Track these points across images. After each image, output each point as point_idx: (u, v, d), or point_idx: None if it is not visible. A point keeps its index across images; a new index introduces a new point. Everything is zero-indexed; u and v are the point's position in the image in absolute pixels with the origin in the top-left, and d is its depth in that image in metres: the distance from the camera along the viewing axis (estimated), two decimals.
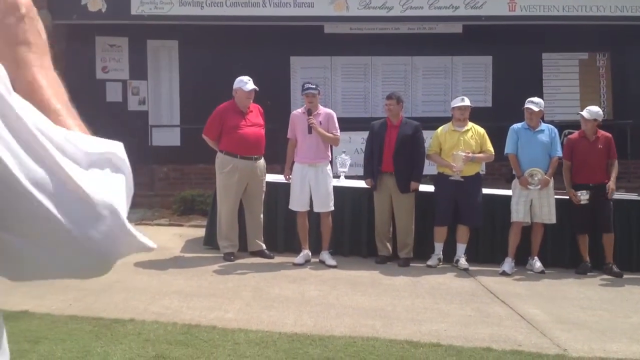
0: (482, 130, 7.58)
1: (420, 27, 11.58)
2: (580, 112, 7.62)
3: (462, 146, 7.39)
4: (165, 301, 5.64)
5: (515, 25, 11.11)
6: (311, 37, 11.54)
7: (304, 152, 7.34)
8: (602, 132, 7.53)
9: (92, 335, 4.57)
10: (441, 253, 7.48)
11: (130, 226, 0.80)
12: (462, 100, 7.58)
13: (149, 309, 5.36)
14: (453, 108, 7.59)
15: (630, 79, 12.14)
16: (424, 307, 5.78)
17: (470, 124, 7.58)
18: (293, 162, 7.45)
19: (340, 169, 8.25)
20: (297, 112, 7.64)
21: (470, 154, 7.35)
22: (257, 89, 7.44)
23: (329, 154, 7.55)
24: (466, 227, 7.44)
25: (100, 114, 11.28)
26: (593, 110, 7.57)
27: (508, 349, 4.67)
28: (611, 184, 7.39)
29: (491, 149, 7.55)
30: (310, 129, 7.24)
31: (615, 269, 7.30)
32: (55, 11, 10.42)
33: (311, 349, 4.47)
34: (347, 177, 8.21)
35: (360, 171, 8.13)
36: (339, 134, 7.47)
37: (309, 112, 7.33)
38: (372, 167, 7.57)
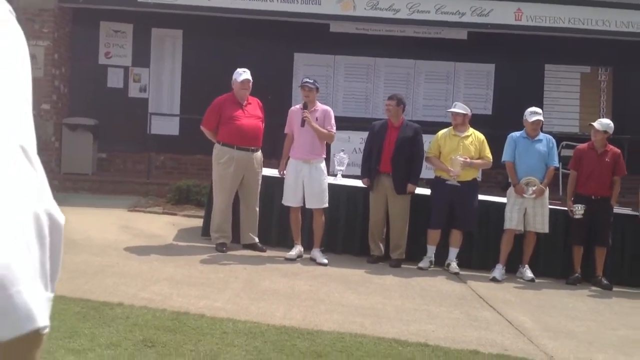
0: (482, 137, 7.60)
1: (425, 31, 11.60)
2: (592, 123, 7.63)
3: (461, 151, 7.41)
4: (155, 287, 5.63)
5: (519, 35, 11.13)
6: (316, 35, 11.55)
7: (298, 147, 7.34)
8: (611, 147, 7.54)
9: (79, 316, 4.56)
10: (433, 256, 7.49)
11: (27, 296, 0.61)
12: (454, 106, 7.65)
13: (139, 294, 5.36)
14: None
15: (631, 95, 12.17)
16: (414, 308, 5.79)
17: (471, 130, 7.61)
18: (289, 158, 7.45)
19: (337, 167, 8.26)
20: (295, 108, 7.65)
21: (468, 160, 7.37)
22: (251, 79, 7.44)
23: (324, 151, 7.55)
24: (459, 231, 7.46)
25: (100, 98, 11.31)
26: (604, 122, 7.59)
27: (495, 352, 4.69)
28: (612, 200, 7.41)
29: (489, 155, 7.57)
30: (303, 122, 7.24)
31: (604, 281, 7.32)
32: None
33: (299, 342, 4.48)
34: (344, 176, 8.21)
35: (357, 171, 8.13)
36: (334, 130, 7.47)
37: (305, 106, 7.33)
38: (369, 166, 7.58)
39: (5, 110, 0.66)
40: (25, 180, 0.65)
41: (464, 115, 7.53)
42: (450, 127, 7.64)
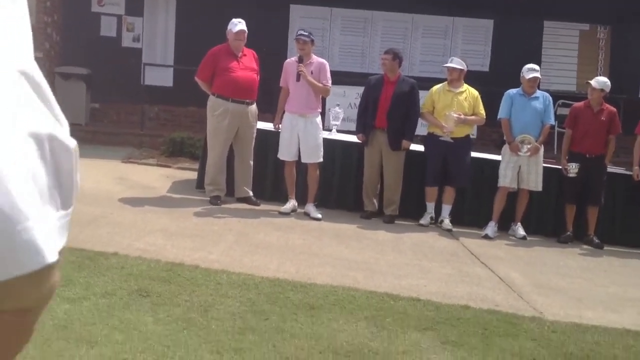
0: (476, 93, 7.56)
1: None
2: (589, 81, 7.59)
3: (455, 107, 7.38)
4: (150, 238, 5.65)
5: None
6: None
7: (294, 101, 7.28)
8: (607, 105, 7.52)
9: (74, 265, 4.58)
10: (433, 212, 7.52)
11: (34, 232, 0.61)
12: (451, 61, 7.60)
13: (133, 244, 5.37)
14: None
15: (629, 54, 12.09)
16: (406, 263, 5.84)
17: (465, 86, 7.56)
18: (284, 112, 7.39)
19: (332, 122, 8.21)
20: (291, 60, 7.55)
21: (462, 115, 7.34)
22: (246, 30, 7.33)
23: (320, 105, 7.49)
24: (452, 188, 7.47)
25: (93, 47, 11.14)
26: (601, 80, 7.57)
27: (485, 308, 4.74)
28: (607, 159, 7.43)
29: (483, 112, 7.56)
30: (299, 76, 7.17)
31: (596, 240, 7.39)
32: None
33: (292, 295, 4.52)
34: (339, 131, 8.17)
35: (352, 126, 8.09)
36: (329, 84, 7.40)
37: (300, 60, 7.24)
38: (365, 121, 7.54)
39: (3, 32, 0.64)
40: (25, 105, 0.64)
41: (460, 70, 7.47)
42: (445, 83, 7.58)
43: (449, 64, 7.56)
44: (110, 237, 5.54)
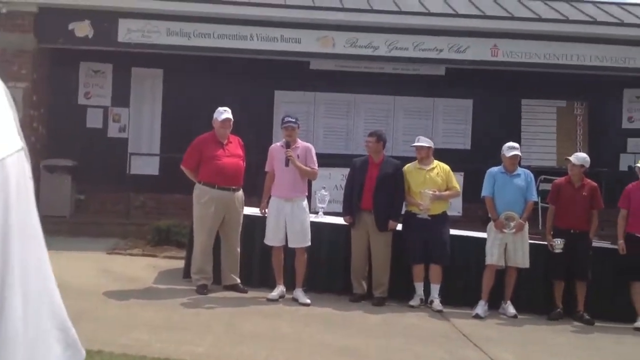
0: (447, 168, 7.68)
1: (404, 68, 11.75)
2: (569, 157, 7.73)
3: (429, 184, 7.46)
4: (135, 333, 5.54)
5: (496, 71, 11.32)
6: (296, 72, 11.65)
7: (281, 185, 7.33)
8: (588, 181, 7.63)
9: None
10: (422, 293, 7.45)
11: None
12: (418, 140, 7.75)
13: (118, 340, 5.26)
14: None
15: (607, 128, 12.39)
16: (398, 348, 5.75)
17: (435, 162, 7.69)
18: (270, 196, 7.43)
19: (319, 205, 8.24)
20: (276, 145, 7.65)
21: (437, 192, 7.42)
22: (232, 119, 7.46)
23: (306, 189, 7.54)
24: (438, 266, 7.44)
25: (79, 139, 11.26)
26: (580, 156, 7.71)
27: None
28: (590, 234, 7.48)
29: (457, 185, 7.67)
30: (287, 161, 7.25)
31: (586, 316, 7.33)
32: (41, 35, 10.43)
33: None
34: (325, 214, 8.20)
35: (338, 208, 8.12)
36: (316, 167, 7.48)
37: (287, 145, 7.34)
38: (351, 203, 7.58)
39: None
40: None
41: (428, 148, 7.63)
42: (415, 162, 7.71)
43: (416, 143, 7.70)
44: (94, 333, 5.41)
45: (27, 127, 10.21)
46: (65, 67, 11.38)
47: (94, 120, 11.59)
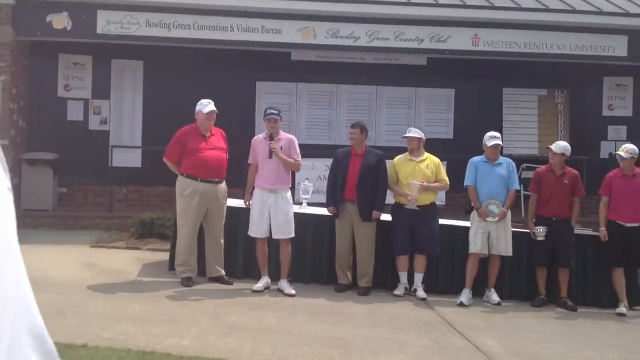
0: (437, 160, 7.70)
1: (385, 57, 11.76)
2: (549, 146, 7.79)
3: (418, 175, 7.48)
4: (120, 326, 5.51)
5: (477, 60, 11.36)
6: (278, 63, 11.61)
7: (264, 177, 7.31)
8: (569, 169, 7.70)
9: None
10: (407, 282, 7.50)
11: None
12: (409, 131, 7.73)
13: (103, 334, 5.24)
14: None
15: (587, 116, 12.50)
16: (382, 337, 5.78)
17: (426, 154, 7.69)
18: (254, 188, 7.41)
19: (302, 196, 8.24)
20: (259, 137, 7.63)
21: (425, 183, 7.44)
22: (217, 111, 7.42)
23: (290, 180, 7.54)
24: (423, 256, 7.49)
25: (60, 132, 11.14)
26: (561, 145, 7.77)
27: None
28: (572, 221, 7.55)
29: (446, 178, 7.68)
30: (271, 153, 7.23)
31: (569, 302, 7.41)
32: (19, 27, 10.28)
33: None
34: (309, 204, 8.20)
35: (322, 198, 8.13)
36: (300, 159, 7.48)
37: (271, 137, 7.32)
38: (335, 194, 7.58)
39: None
40: None
41: (419, 139, 7.62)
42: (406, 153, 7.72)
43: (407, 134, 7.70)
44: (78, 327, 5.39)
45: (7, 120, 10.10)
46: (44, 59, 11.25)
47: (74, 112, 11.47)
